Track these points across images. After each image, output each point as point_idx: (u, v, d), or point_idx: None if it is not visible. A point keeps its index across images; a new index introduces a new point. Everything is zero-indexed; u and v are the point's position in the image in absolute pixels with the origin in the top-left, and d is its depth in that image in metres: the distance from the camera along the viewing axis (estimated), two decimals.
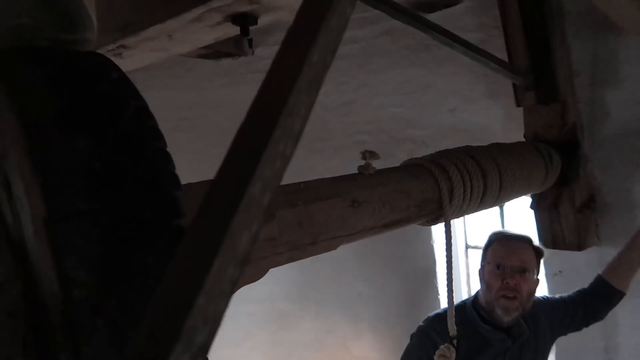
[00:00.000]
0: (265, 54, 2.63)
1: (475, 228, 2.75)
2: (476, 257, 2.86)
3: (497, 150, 1.61)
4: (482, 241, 2.70)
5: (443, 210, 1.33)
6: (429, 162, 1.37)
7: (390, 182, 1.22)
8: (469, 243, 2.77)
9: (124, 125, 0.57)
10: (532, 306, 1.77)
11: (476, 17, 2.10)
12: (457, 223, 2.74)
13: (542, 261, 1.77)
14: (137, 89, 0.63)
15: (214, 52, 2.53)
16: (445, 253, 1.45)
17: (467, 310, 1.71)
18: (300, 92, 0.43)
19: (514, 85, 1.92)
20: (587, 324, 1.85)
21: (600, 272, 1.84)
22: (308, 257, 1.08)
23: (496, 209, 2.57)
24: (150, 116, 0.61)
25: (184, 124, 2.84)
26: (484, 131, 2.21)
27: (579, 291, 1.86)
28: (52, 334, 0.52)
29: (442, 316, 1.58)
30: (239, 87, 2.72)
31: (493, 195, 1.48)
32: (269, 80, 0.46)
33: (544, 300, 1.85)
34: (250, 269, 0.96)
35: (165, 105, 2.83)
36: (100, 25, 1.54)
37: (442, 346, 1.39)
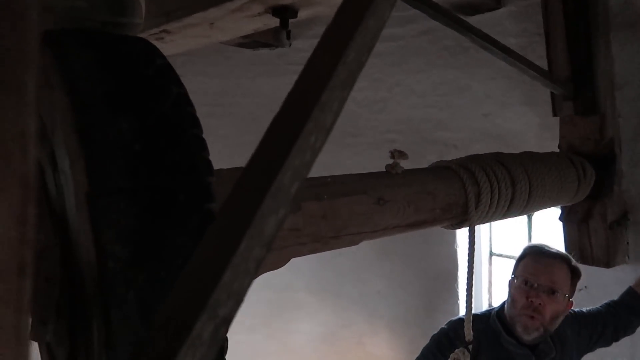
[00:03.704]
0: (302, 46, 2.65)
1: (500, 235, 2.72)
2: (500, 265, 2.83)
3: (529, 159, 1.59)
4: (507, 249, 2.69)
5: (468, 215, 1.33)
6: (458, 165, 1.37)
7: (417, 183, 1.23)
8: (493, 250, 2.73)
9: (165, 110, 0.60)
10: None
11: (518, 22, 2.07)
12: (482, 229, 2.71)
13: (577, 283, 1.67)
14: (178, 76, 0.66)
15: (252, 41, 2.57)
16: (467, 258, 1.45)
17: (490, 320, 1.66)
18: (334, 89, 0.45)
19: (552, 94, 1.89)
20: (617, 339, 1.78)
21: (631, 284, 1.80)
22: (330, 250, 1.09)
23: (524, 218, 2.53)
24: (189, 103, 0.64)
25: (217, 110, 2.89)
26: (518, 138, 2.18)
27: (608, 304, 1.79)
28: (86, 301, 0.56)
29: (464, 321, 1.57)
30: (274, 77, 2.75)
31: (521, 204, 1.47)
32: (304, 75, 0.48)
33: (572, 314, 1.77)
34: (272, 257, 0.99)
35: (201, 90, 2.88)
36: (146, 10, 1.58)
37: (456, 350, 1.39)
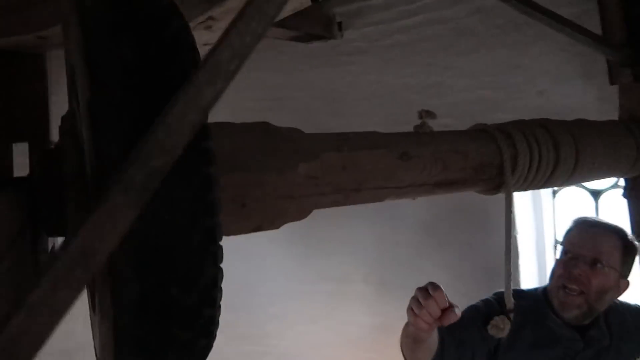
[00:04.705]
0: (354, 36, 2.69)
1: (565, 224, 2.57)
2: None
3: (577, 124, 1.52)
4: None
5: (504, 178, 1.29)
6: (494, 128, 1.34)
7: (446, 142, 1.22)
8: (558, 239, 2.59)
9: (164, 39, 0.67)
10: (621, 312, 1.56)
11: None
12: (545, 217, 2.58)
13: (636, 261, 1.52)
14: (182, 14, 0.73)
15: (305, 34, 2.65)
16: (505, 226, 1.41)
17: (537, 296, 1.59)
18: None
19: (608, 61, 1.78)
20: None
21: None
22: (353, 204, 1.11)
23: (591, 202, 2.39)
24: (189, 33, 0.71)
25: (275, 104, 3.00)
26: (576, 114, 2.05)
27: None
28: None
29: (519, 292, 1.52)
30: (327, 69, 2.81)
31: (566, 170, 1.40)
32: None
33: (621, 305, 1.61)
34: (293, 207, 1.02)
35: (259, 86, 3.01)
36: None
37: (496, 317, 1.35)
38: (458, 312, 1.18)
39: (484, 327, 1.38)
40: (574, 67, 2.06)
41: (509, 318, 1.34)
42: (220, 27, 1.78)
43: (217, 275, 0.69)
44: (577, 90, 2.07)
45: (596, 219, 1.55)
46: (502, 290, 1.60)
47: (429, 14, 2.39)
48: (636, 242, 1.53)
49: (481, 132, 1.32)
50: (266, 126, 1.03)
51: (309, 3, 1.55)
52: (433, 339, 1.36)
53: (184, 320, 0.68)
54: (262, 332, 3.39)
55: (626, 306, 1.60)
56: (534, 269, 2.55)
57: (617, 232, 1.51)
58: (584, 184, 2.45)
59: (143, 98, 0.62)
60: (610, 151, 1.51)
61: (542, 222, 2.57)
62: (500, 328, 1.33)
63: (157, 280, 0.64)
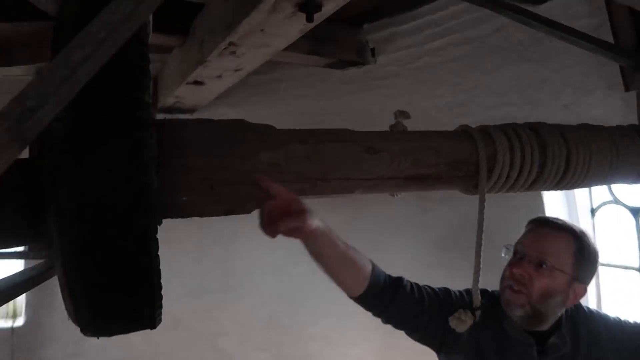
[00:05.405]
0: (387, 61, 2.81)
1: (607, 244, 2.43)
2: (607, 276, 2.49)
3: (575, 128, 1.49)
4: (614, 259, 2.39)
5: (479, 176, 1.30)
6: (475, 128, 1.37)
7: (417, 139, 1.27)
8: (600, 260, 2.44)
9: None
10: (595, 322, 1.44)
11: (588, 3, 1.97)
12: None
13: (597, 268, 1.43)
14: None
15: (339, 61, 2.80)
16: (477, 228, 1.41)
17: (497, 298, 1.48)
18: None
19: (621, 67, 1.75)
20: None
21: None
22: (321, 194, 1.18)
23: (630, 218, 2.25)
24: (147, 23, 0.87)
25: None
26: (603, 124, 2.01)
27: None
28: None
29: (484, 291, 1.48)
30: (361, 93, 2.94)
31: (555, 171, 1.38)
32: None
33: (599, 316, 1.48)
34: (260, 192, 1.12)
35: (300, 112, 3.20)
36: (215, 27, 1.90)
37: (460, 309, 1.35)
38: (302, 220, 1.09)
39: (446, 317, 1.38)
40: (597, 78, 2.02)
41: (473, 314, 1.33)
42: (242, 52, 1.97)
43: (149, 225, 0.82)
44: (602, 100, 2.01)
45: (550, 219, 1.44)
46: (487, 288, 1.56)
47: (455, 35, 2.45)
48: (595, 246, 1.42)
49: (460, 132, 1.36)
50: (241, 122, 1.16)
51: (310, 26, 1.69)
52: (346, 258, 1.30)
53: (123, 263, 0.81)
54: (305, 352, 3.45)
55: (603, 317, 1.47)
56: None
57: (572, 233, 1.39)
58: (625, 201, 2.32)
59: None
60: (614, 156, 1.46)
61: None
62: (462, 320, 1.32)
63: (94, 224, 0.78)
